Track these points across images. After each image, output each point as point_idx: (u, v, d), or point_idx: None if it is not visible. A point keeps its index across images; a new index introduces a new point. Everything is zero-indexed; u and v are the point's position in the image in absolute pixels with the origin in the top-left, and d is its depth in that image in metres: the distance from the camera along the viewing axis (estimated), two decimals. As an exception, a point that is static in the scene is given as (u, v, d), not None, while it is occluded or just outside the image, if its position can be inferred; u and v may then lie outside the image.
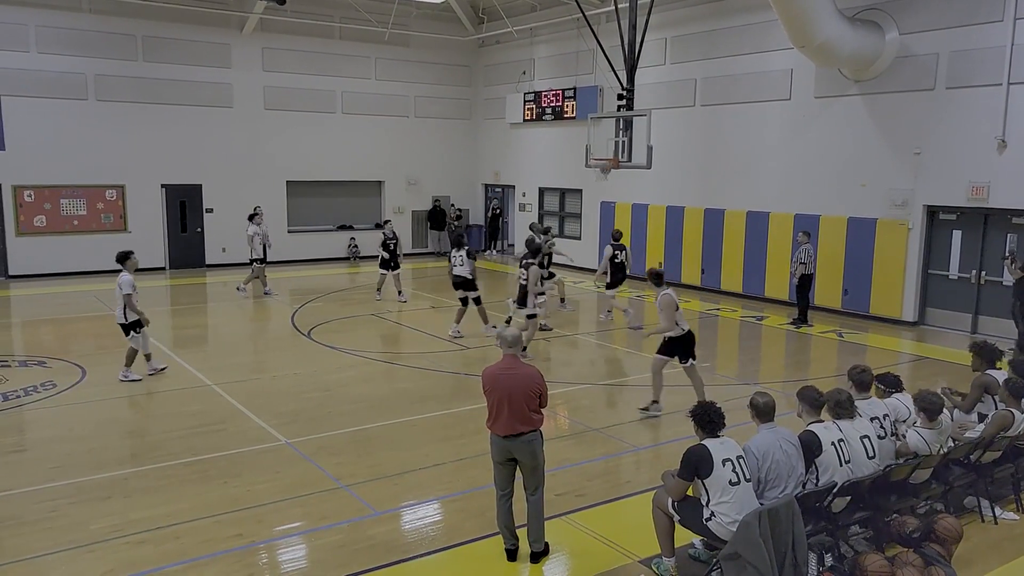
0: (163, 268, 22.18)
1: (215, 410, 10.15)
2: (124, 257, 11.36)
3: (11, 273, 20.24)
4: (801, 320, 15.72)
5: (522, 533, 6.36)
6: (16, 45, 19.66)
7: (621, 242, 15.67)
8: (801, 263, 15.31)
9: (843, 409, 6.38)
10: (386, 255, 17.69)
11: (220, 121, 22.46)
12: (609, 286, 15.61)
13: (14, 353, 12.92)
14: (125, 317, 11.13)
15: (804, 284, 15.57)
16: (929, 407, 6.81)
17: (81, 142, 20.64)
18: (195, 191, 22.51)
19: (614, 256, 15.34)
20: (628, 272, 15.91)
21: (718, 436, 5.70)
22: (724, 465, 5.52)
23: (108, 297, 17.84)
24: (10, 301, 17.98)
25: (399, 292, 17.96)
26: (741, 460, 5.61)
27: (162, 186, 22.03)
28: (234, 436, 9.18)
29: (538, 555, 6.27)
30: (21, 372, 11.67)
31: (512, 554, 6.29)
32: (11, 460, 8.42)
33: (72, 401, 10.43)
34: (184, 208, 22.44)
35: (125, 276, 11.09)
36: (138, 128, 21.30)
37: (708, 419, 5.71)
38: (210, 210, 22.68)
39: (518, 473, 6.35)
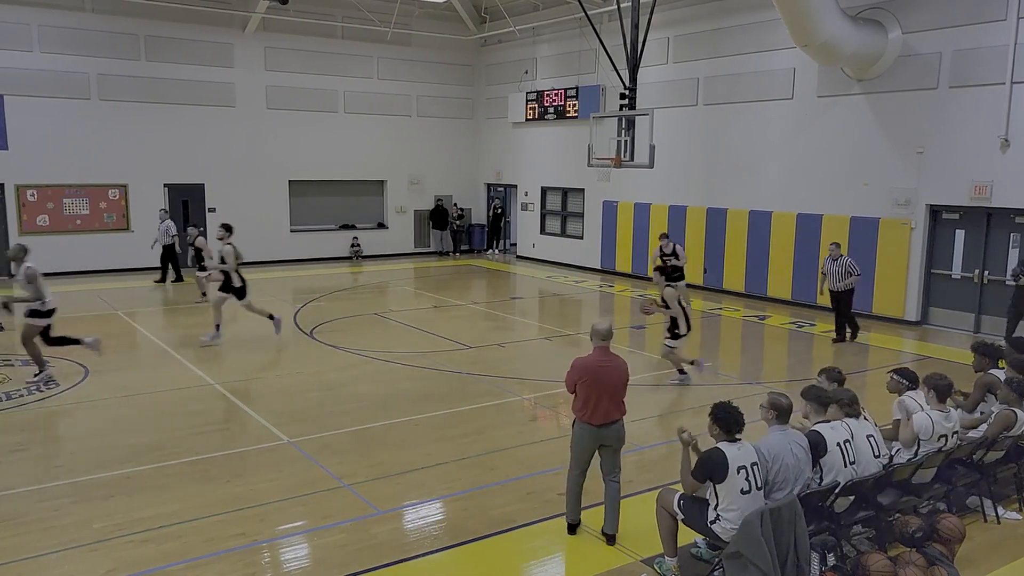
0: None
1: (217, 409, 10.16)
2: None
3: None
4: (854, 333, 14.44)
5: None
6: (19, 44, 19.68)
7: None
8: (857, 275, 14.00)
9: (854, 407, 6.39)
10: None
11: (222, 121, 22.48)
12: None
13: (17, 352, 12.93)
14: None
15: (850, 296, 14.21)
16: (938, 386, 6.87)
17: (84, 141, 20.67)
18: (197, 191, 22.53)
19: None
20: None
21: (736, 439, 5.61)
22: (739, 473, 5.49)
23: (112, 296, 17.88)
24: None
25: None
26: (755, 467, 5.57)
27: (165, 185, 22.05)
28: (236, 435, 9.19)
29: (611, 537, 6.54)
30: (24, 371, 11.68)
31: (574, 528, 6.65)
32: (14, 459, 8.42)
33: (75, 400, 10.44)
34: (186, 207, 22.47)
35: None
36: (141, 128, 21.33)
37: (731, 419, 5.60)
38: (212, 209, 22.69)
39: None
